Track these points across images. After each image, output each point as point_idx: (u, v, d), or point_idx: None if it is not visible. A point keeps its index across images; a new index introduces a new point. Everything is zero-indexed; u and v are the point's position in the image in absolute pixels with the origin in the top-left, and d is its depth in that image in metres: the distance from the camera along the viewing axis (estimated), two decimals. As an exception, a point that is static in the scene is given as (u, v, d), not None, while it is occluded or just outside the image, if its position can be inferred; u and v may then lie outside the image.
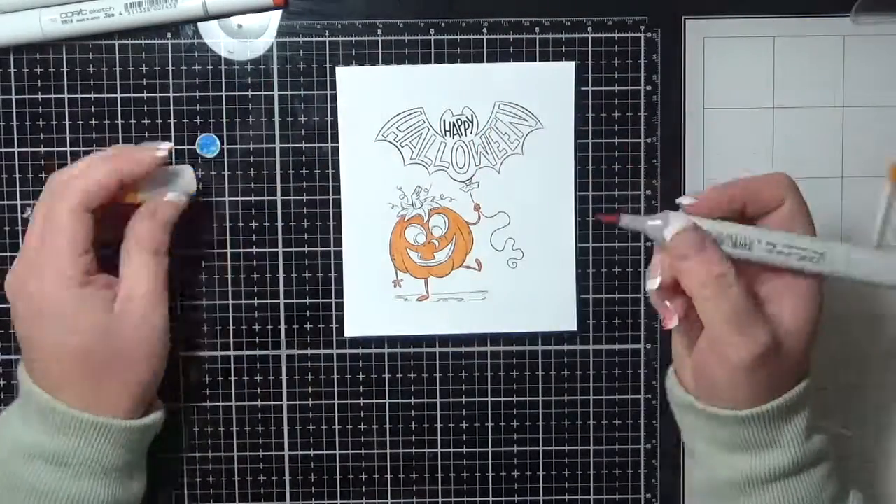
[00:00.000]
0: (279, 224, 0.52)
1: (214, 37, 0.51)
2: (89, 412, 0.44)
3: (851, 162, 0.52)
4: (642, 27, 0.51)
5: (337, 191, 0.52)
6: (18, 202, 0.52)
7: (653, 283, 0.43)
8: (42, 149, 0.51)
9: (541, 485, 0.53)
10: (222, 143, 0.51)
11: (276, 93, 0.51)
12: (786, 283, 0.43)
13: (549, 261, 0.51)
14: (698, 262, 0.41)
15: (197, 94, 0.51)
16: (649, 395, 0.53)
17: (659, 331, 0.53)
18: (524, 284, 0.51)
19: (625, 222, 0.44)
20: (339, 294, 0.52)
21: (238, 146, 0.52)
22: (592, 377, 0.53)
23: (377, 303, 0.52)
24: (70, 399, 0.44)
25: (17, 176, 0.52)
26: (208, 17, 0.50)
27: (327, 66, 0.51)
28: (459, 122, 0.51)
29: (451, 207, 0.51)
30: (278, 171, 0.52)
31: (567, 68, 0.51)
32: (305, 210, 0.52)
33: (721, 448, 0.44)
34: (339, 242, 0.52)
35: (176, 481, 0.53)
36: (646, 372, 0.53)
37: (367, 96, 0.51)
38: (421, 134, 0.51)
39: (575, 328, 0.52)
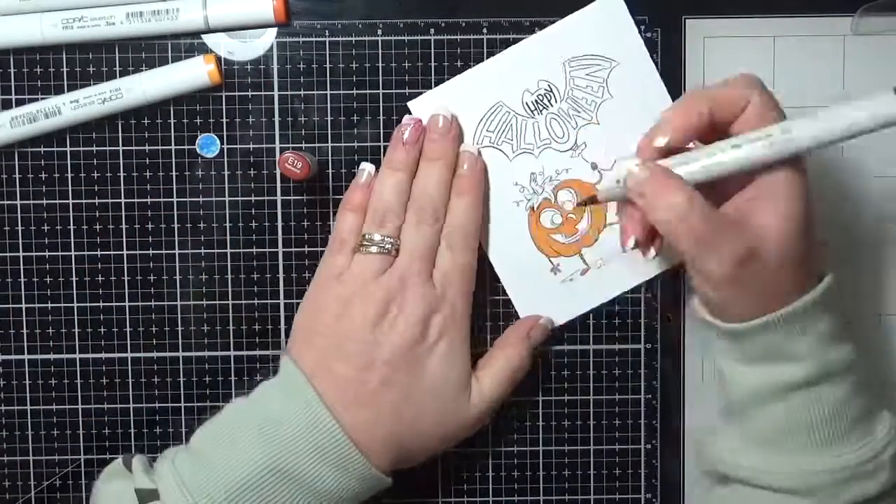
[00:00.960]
0: (279, 224, 0.52)
1: (215, 37, 0.51)
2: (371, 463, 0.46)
3: (851, 162, 0.52)
4: (642, 27, 0.51)
5: (336, 191, 0.52)
6: (18, 202, 0.52)
7: (630, 242, 0.44)
8: (42, 149, 0.51)
9: (541, 485, 0.53)
10: (222, 143, 0.51)
11: (276, 93, 0.51)
12: (762, 190, 0.42)
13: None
14: (652, 196, 0.42)
15: (197, 94, 0.51)
16: (649, 395, 0.53)
17: (659, 331, 0.53)
18: None
19: (601, 196, 0.45)
20: (339, 294, 0.52)
21: (238, 146, 0.52)
22: (592, 377, 0.53)
23: (547, 297, 0.52)
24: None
25: (17, 176, 0.52)
26: (209, 31, 0.50)
27: (327, 66, 0.51)
28: (540, 97, 0.51)
29: (571, 177, 0.51)
30: (278, 171, 0.52)
31: (614, 1, 0.50)
32: (305, 210, 0.52)
33: (738, 359, 0.44)
34: (339, 242, 0.52)
35: (176, 481, 0.53)
36: (646, 372, 0.53)
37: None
38: (511, 125, 0.51)
39: None
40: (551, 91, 0.51)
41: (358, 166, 0.50)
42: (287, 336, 0.52)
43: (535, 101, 0.51)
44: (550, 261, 0.52)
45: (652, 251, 0.45)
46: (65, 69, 0.51)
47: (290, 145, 0.51)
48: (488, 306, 0.52)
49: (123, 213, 0.52)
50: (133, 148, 0.51)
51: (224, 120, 0.51)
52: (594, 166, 0.51)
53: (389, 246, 0.48)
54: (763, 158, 0.41)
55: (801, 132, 0.41)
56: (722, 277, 0.41)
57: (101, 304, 0.52)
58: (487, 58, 0.51)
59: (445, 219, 0.49)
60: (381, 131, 0.51)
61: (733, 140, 0.41)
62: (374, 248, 0.47)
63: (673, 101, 0.49)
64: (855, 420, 0.42)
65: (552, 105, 0.51)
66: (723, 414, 0.47)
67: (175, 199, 0.52)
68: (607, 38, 0.51)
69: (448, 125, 0.49)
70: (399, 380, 0.46)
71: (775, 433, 0.43)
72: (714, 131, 0.42)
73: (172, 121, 0.51)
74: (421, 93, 0.51)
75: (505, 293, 0.52)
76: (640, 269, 0.52)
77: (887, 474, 0.42)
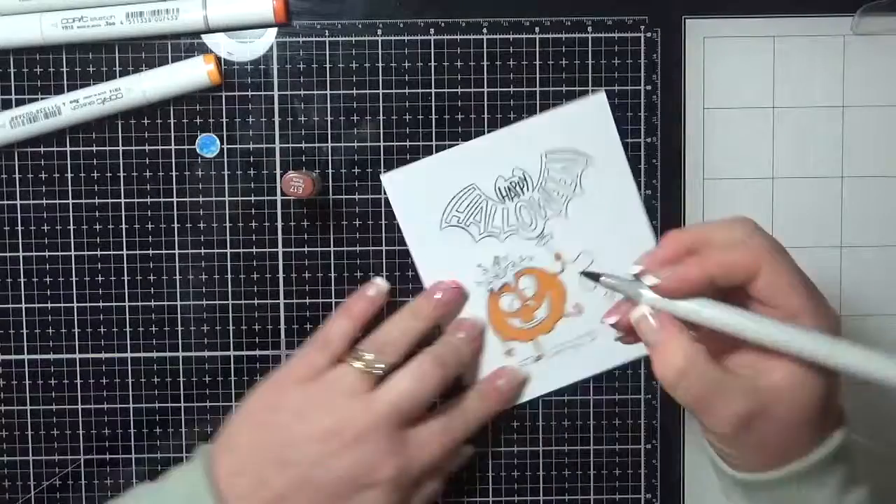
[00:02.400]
0: (279, 224, 0.52)
1: (215, 37, 0.51)
2: None
3: (851, 162, 0.52)
4: (642, 27, 0.51)
5: (336, 191, 0.52)
6: (18, 202, 0.52)
7: (611, 320, 0.42)
8: (42, 149, 0.51)
9: (541, 485, 0.53)
10: (222, 143, 0.51)
11: (276, 93, 0.51)
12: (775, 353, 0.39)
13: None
14: (655, 347, 0.40)
15: (197, 94, 0.51)
16: (649, 395, 0.53)
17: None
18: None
19: (605, 282, 0.42)
20: (340, 294, 0.52)
21: (238, 146, 0.52)
22: (592, 377, 0.53)
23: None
24: None
25: (17, 176, 0.52)
26: (209, 31, 0.50)
27: (327, 66, 0.51)
28: (513, 184, 0.51)
29: (534, 265, 0.52)
30: (278, 171, 0.52)
31: (600, 99, 0.51)
32: (305, 210, 0.52)
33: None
34: (338, 242, 0.52)
35: (176, 481, 0.53)
36: (646, 372, 0.53)
37: (419, 192, 0.51)
38: (481, 208, 0.51)
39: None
40: (525, 180, 0.51)
41: (357, 166, 0.50)
42: (287, 336, 0.52)
43: (508, 187, 0.51)
44: (504, 345, 0.52)
45: (625, 338, 0.42)
46: (65, 69, 0.51)
47: (290, 145, 0.52)
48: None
49: (123, 213, 0.52)
50: (133, 148, 0.51)
51: (224, 120, 0.51)
52: (557, 257, 0.52)
53: (377, 370, 0.47)
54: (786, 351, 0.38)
55: (843, 360, 0.38)
56: (723, 436, 0.40)
57: (101, 304, 0.52)
58: (487, 58, 0.51)
59: (462, 402, 0.49)
60: (381, 131, 0.52)
61: (757, 331, 0.38)
62: (359, 364, 0.46)
63: (640, 186, 0.51)
64: None
65: (524, 193, 0.51)
66: None
67: (175, 199, 0.52)
68: (588, 134, 0.51)
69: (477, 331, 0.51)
70: None
71: None
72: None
73: (172, 121, 0.51)
74: (420, 93, 0.51)
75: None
76: (593, 361, 0.52)
77: None
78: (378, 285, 0.50)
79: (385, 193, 0.51)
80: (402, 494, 0.46)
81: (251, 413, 0.47)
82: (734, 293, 0.40)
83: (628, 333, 0.42)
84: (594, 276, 0.42)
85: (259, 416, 0.47)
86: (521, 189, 0.51)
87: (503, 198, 0.51)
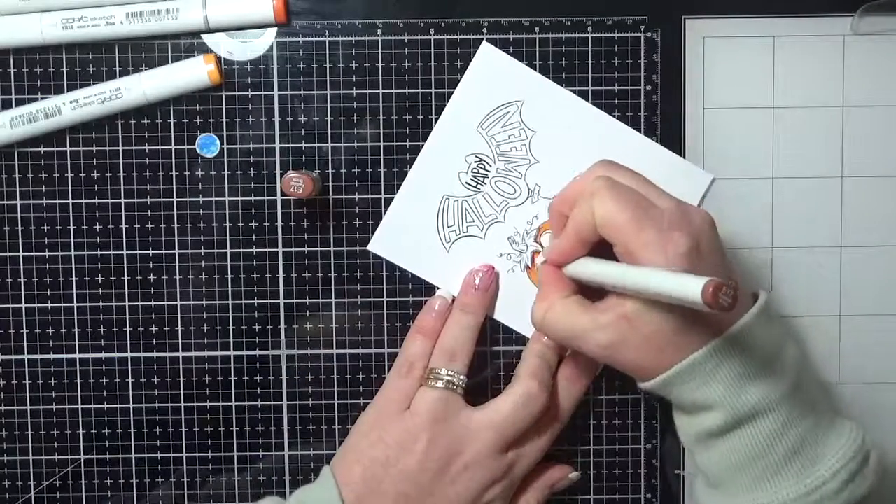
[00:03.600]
0: (279, 224, 0.52)
1: (215, 37, 0.51)
2: None
3: (851, 162, 0.52)
4: (642, 27, 0.51)
5: (336, 191, 0.52)
6: (18, 202, 0.52)
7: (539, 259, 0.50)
8: (42, 149, 0.51)
9: (541, 485, 0.53)
10: (222, 143, 0.51)
11: (276, 93, 0.51)
12: None
13: (636, 157, 0.50)
14: (541, 288, 0.48)
15: (197, 94, 0.51)
16: (649, 396, 0.53)
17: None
18: None
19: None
20: (340, 294, 0.52)
21: (238, 146, 0.51)
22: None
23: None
24: None
25: (17, 176, 0.52)
26: (209, 31, 0.50)
27: (327, 66, 0.51)
28: (475, 170, 0.51)
29: (544, 220, 0.52)
30: (278, 171, 0.52)
31: (486, 49, 0.51)
32: (305, 210, 0.52)
33: (675, 411, 0.47)
34: (338, 242, 0.52)
35: (176, 481, 0.53)
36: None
37: (406, 241, 0.52)
38: (466, 209, 0.51)
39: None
40: (481, 159, 0.51)
41: (357, 166, 0.50)
42: (287, 336, 0.52)
43: (473, 176, 0.51)
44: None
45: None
46: (65, 69, 0.51)
47: (290, 145, 0.52)
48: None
49: (123, 213, 0.52)
50: (133, 148, 0.51)
51: (224, 120, 0.51)
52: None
53: (458, 382, 0.48)
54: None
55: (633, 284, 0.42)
56: (600, 360, 0.46)
57: (101, 304, 0.52)
58: (487, 58, 0.51)
59: (558, 406, 0.50)
60: (381, 131, 0.52)
61: (611, 282, 0.43)
62: (440, 383, 0.48)
63: (585, 100, 0.51)
64: (787, 456, 0.43)
65: (489, 170, 0.51)
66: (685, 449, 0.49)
67: (175, 199, 0.52)
68: (500, 84, 0.51)
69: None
70: None
71: (715, 476, 0.45)
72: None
73: (172, 121, 0.51)
74: (420, 93, 0.51)
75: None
76: None
77: (835, 503, 0.42)
78: (443, 298, 0.51)
79: (381, 253, 0.52)
80: (509, 498, 0.49)
81: (358, 446, 0.48)
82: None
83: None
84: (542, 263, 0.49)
85: (366, 449, 0.48)
86: (485, 168, 0.51)
87: (476, 186, 0.51)
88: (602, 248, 0.45)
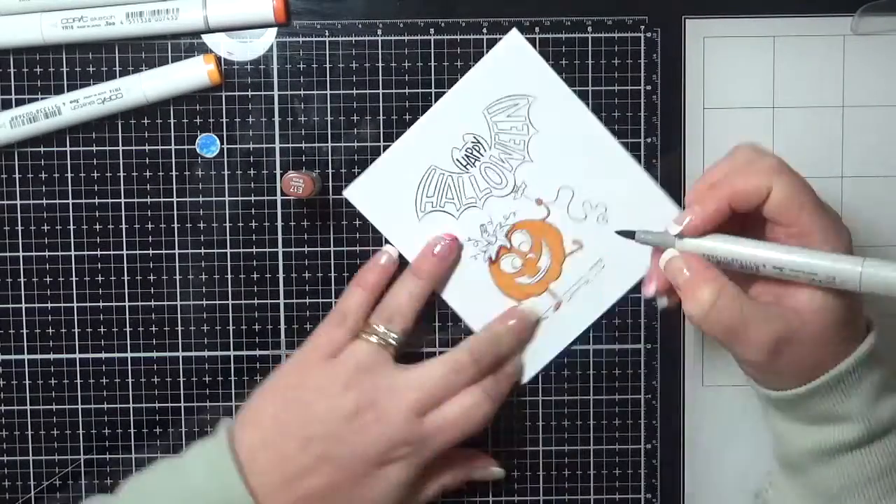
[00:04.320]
0: (279, 224, 0.52)
1: (215, 37, 0.51)
2: None
3: (851, 162, 0.52)
4: (642, 27, 0.51)
5: (336, 191, 0.52)
6: (18, 202, 0.52)
7: (647, 292, 0.45)
8: (42, 148, 0.51)
9: (541, 485, 0.53)
10: (222, 143, 0.51)
11: (276, 93, 0.51)
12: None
13: (629, 190, 0.51)
14: (685, 287, 0.42)
15: (197, 94, 0.51)
16: (649, 395, 0.53)
17: (659, 331, 0.53)
18: (624, 226, 0.50)
19: (639, 238, 0.44)
20: (340, 294, 0.52)
21: (238, 146, 0.51)
22: (592, 377, 0.53)
23: (532, 341, 0.52)
24: None
25: (17, 176, 0.52)
26: (209, 31, 0.50)
27: (327, 66, 0.51)
28: (469, 150, 0.51)
29: (520, 218, 0.51)
30: (278, 171, 0.52)
31: (514, 37, 0.51)
32: (305, 210, 0.52)
33: (790, 422, 0.44)
34: (338, 242, 0.52)
35: (176, 481, 0.53)
36: (646, 372, 0.53)
37: (385, 193, 0.51)
38: (449, 185, 0.51)
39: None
40: (478, 142, 0.51)
41: (357, 166, 0.50)
42: (287, 336, 0.52)
43: (465, 155, 0.51)
44: (522, 304, 0.52)
45: (665, 301, 0.45)
46: (65, 69, 0.51)
47: (290, 145, 0.52)
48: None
49: (123, 213, 0.52)
50: (133, 148, 0.51)
51: (224, 120, 0.51)
52: (539, 201, 0.51)
53: (392, 341, 0.48)
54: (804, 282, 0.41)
55: (846, 280, 0.40)
56: (757, 363, 0.42)
57: (101, 304, 0.52)
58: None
59: (490, 377, 0.49)
60: (381, 131, 0.52)
61: (773, 258, 0.41)
62: (374, 338, 0.48)
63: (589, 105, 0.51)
64: None
65: (483, 154, 0.51)
66: (782, 465, 0.47)
67: (175, 199, 0.52)
68: (518, 76, 0.51)
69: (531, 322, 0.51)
70: (340, 486, 0.46)
71: (836, 491, 0.43)
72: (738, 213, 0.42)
73: (172, 121, 0.51)
74: (420, 93, 0.51)
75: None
76: (610, 289, 0.52)
77: None
78: (389, 253, 0.50)
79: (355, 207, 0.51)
80: (421, 469, 0.48)
81: (275, 390, 0.48)
82: (753, 227, 0.42)
83: (669, 294, 0.44)
84: (629, 234, 0.45)
85: (283, 392, 0.47)
86: (479, 152, 0.51)
87: (465, 167, 0.51)
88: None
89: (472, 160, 0.51)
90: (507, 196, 0.51)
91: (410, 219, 0.51)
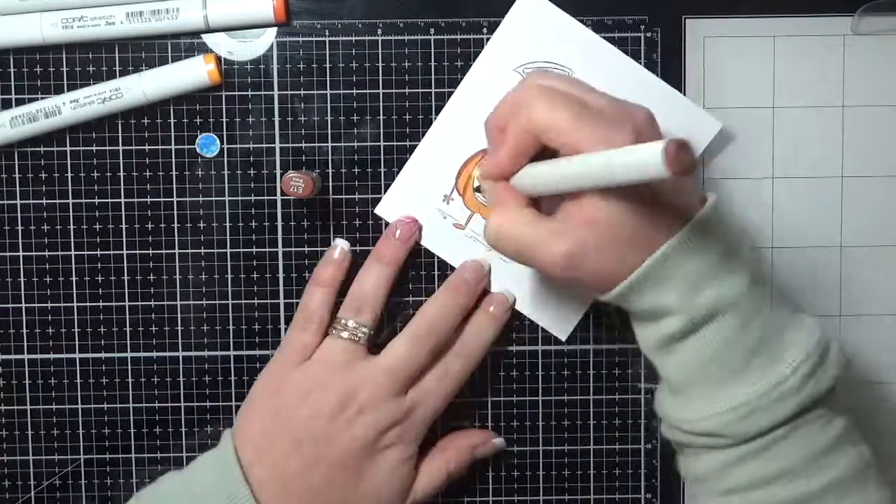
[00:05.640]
0: (279, 224, 0.52)
1: (215, 37, 0.51)
2: None
3: (851, 162, 0.52)
4: (642, 27, 0.51)
5: (337, 191, 0.52)
6: (18, 202, 0.52)
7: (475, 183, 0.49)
8: (42, 148, 0.51)
9: (541, 485, 0.53)
10: (222, 143, 0.51)
11: (276, 93, 0.51)
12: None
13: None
14: (493, 206, 0.44)
15: (197, 94, 0.51)
16: (649, 396, 0.53)
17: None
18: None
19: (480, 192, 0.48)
20: (339, 294, 0.52)
21: (238, 146, 0.52)
22: (592, 377, 0.53)
23: (419, 206, 0.51)
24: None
25: (17, 176, 0.52)
26: (209, 30, 0.50)
27: (327, 66, 0.51)
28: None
29: None
30: (278, 171, 0.52)
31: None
32: (305, 210, 0.52)
33: (634, 321, 0.46)
34: (339, 242, 0.52)
35: (176, 481, 0.53)
36: (646, 372, 0.53)
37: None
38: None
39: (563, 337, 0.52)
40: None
41: (357, 166, 0.50)
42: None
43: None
44: (453, 191, 0.51)
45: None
46: (65, 69, 0.51)
47: (290, 145, 0.52)
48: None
49: (123, 213, 0.52)
50: (133, 148, 0.51)
51: (224, 120, 0.51)
52: None
53: (362, 335, 0.48)
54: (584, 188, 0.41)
55: (576, 177, 0.40)
56: (555, 278, 0.43)
57: (101, 304, 0.52)
58: (487, 58, 0.51)
59: (455, 345, 0.49)
60: (381, 131, 0.52)
61: (556, 176, 0.42)
62: (345, 334, 0.48)
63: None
64: (747, 355, 0.42)
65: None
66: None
67: (175, 199, 0.52)
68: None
69: (481, 273, 0.51)
70: (341, 482, 0.46)
71: (678, 383, 0.44)
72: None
73: (172, 121, 0.51)
74: (420, 93, 0.51)
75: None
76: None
77: (796, 399, 0.42)
78: (340, 247, 0.50)
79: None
80: (417, 445, 0.49)
81: (257, 402, 0.48)
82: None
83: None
84: (478, 189, 0.49)
85: (265, 403, 0.48)
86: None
87: None
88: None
89: None
90: None
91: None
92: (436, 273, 0.52)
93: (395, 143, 0.51)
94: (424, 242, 0.52)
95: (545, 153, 0.43)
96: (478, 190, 0.50)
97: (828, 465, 0.42)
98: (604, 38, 0.51)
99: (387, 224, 0.51)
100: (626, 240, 0.41)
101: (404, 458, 0.48)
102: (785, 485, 0.42)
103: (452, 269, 0.52)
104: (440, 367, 0.49)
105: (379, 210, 0.51)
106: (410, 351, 0.48)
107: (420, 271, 0.52)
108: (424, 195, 0.51)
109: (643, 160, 0.35)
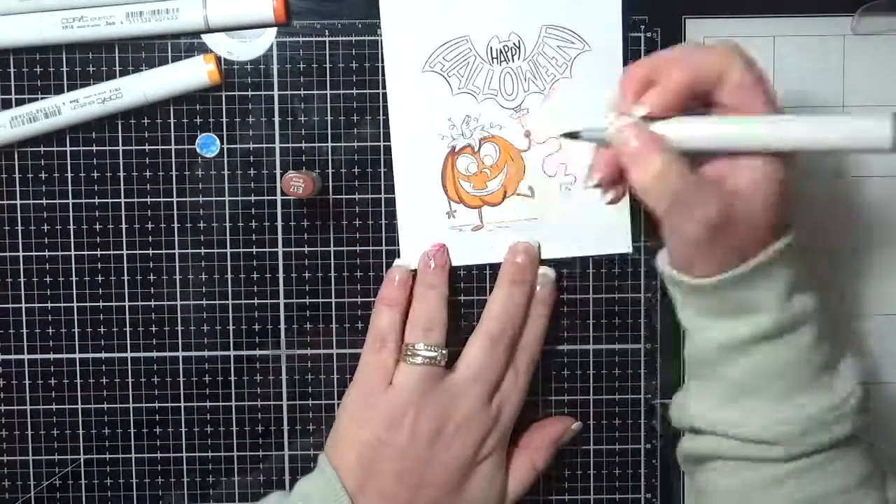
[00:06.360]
0: (279, 224, 0.52)
1: (214, 37, 0.51)
2: None
3: (851, 162, 0.52)
4: (642, 27, 0.51)
5: (336, 191, 0.52)
6: (18, 202, 0.52)
7: (590, 182, 0.43)
8: (42, 149, 0.51)
9: (541, 485, 0.53)
10: (222, 143, 0.51)
11: (276, 93, 0.51)
12: (742, 158, 0.42)
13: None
14: (633, 155, 0.41)
15: (197, 94, 0.51)
16: (649, 395, 0.53)
17: (659, 331, 0.53)
18: (578, 209, 0.51)
19: (585, 135, 0.43)
20: (340, 294, 0.52)
21: (238, 146, 0.52)
22: (592, 377, 0.53)
23: (432, 235, 0.51)
24: None
25: (17, 176, 0.52)
26: (209, 31, 0.50)
27: (327, 65, 0.51)
28: (506, 48, 0.50)
29: (502, 135, 0.51)
30: (278, 171, 0.52)
31: None
32: (305, 210, 0.52)
33: (704, 315, 0.44)
34: (339, 242, 0.52)
35: (176, 481, 0.53)
36: (646, 372, 0.53)
37: (413, 26, 0.50)
38: (468, 62, 0.50)
39: (629, 250, 0.52)
40: (519, 47, 0.51)
41: (357, 166, 0.50)
42: (287, 336, 0.52)
43: (501, 49, 0.50)
44: (450, 204, 0.51)
45: (611, 195, 0.44)
46: (65, 69, 0.51)
47: (290, 145, 0.52)
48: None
49: (123, 213, 0.52)
50: (133, 148, 0.51)
51: (224, 120, 0.51)
52: (527, 134, 0.51)
53: (438, 357, 0.48)
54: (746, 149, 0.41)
55: (789, 135, 0.40)
56: (697, 237, 0.41)
57: (101, 304, 0.52)
58: (487, 57, 0.51)
59: (528, 339, 0.50)
60: (381, 131, 0.52)
61: (709, 129, 0.41)
62: (419, 360, 0.47)
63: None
64: (817, 370, 0.43)
65: (514, 60, 0.51)
66: (692, 369, 0.47)
67: (175, 199, 0.52)
68: (593, 20, 0.50)
69: (534, 256, 0.51)
70: (444, 500, 0.47)
71: (742, 386, 0.44)
72: (693, 97, 0.42)
73: (172, 121, 0.51)
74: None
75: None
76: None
77: (849, 423, 0.42)
78: (402, 268, 0.50)
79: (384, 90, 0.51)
80: (505, 448, 0.49)
81: (348, 433, 0.48)
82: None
83: (614, 184, 0.43)
84: (574, 135, 0.44)
85: (356, 435, 0.48)
86: (513, 55, 0.50)
87: (492, 59, 0.51)
88: None
89: (503, 59, 0.50)
90: (507, 110, 0.51)
91: (416, 65, 0.50)
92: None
93: (391, 143, 0.51)
94: (459, 262, 0.52)
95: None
96: (568, 136, 0.44)
97: (856, 500, 0.43)
98: (604, 38, 0.51)
99: (382, 260, 0.51)
100: (760, 223, 0.41)
101: (498, 466, 0.48)
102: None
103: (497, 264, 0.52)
104: (511, 367, 0.49)
105: (401, 262, 0.51)
106: (489, 355, 0.48)
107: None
108: (430, 226, 0.51)
109: (868, 129, 0.36)
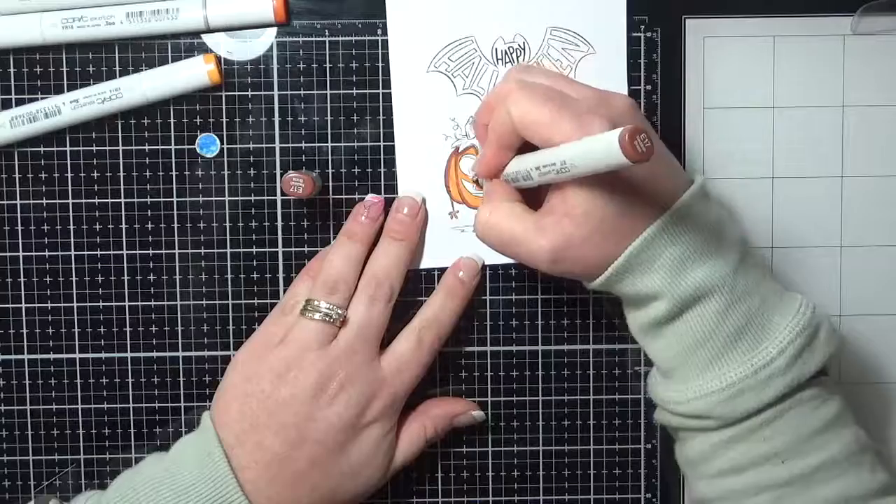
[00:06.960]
0: (279, 224, 0.52)
1: (215, 37, 0.51)
2: None
3: (851, 162, 0.52)
4: (642, 27, 0.51)
5: (336, 191, 0.52)
6: (18, 202, 0.52)
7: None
8: (42, 149, 0.51)
9: (541, 485, 0.53)
10: (222, 143, 0.51)
11: (275, 93, 0.51)
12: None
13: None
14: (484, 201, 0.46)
15: (197, 94, 0.51)
16: (649, 395, 0.53)
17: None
18: None
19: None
20: (339, 294, 0.52)
21: (238, 146, 0.52)
22: (592, 377, 0.53)
23: (434, 235, 0.52)
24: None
25: (17, 176, 0.52)
26: (209, 31, 0.50)
27: (327, 66, 0.51)
28: (511, 49, 0.51)
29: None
30: (278, 171, 0.52)
31: None
32: (305, 210, 0.52)
33: (625, 307, 0.47)
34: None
35: (176, 481, 0.53)
36: (646, 371, 0.53)
37: (418, 27, 0.50)
38: (473, 63, 0.51)
39: None
40: (523, 49, 0.51)
41: (357, 166, 0.50)
42: (287, 336, 0.52)
43: (505, 51, 0.51)
44: (453, 205, 0.52)
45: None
46: (65, 69, 0.51)
47: (290, 145, 0.52)
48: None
49: (123, 213, 0.52)
50: (133, 148, 0.51)
51: (224, 120, 0.51)
52: None
53: (336, 316, 0.47)
54: (565, 179, 0.41)
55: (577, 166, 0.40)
56: (545, 270, 0.43)
57: (101, 304, 0.52)
58: (487, 57, 0.51)
59: (428, 310, 0.50)
60: (381, 131, 0.52)
61: (534, 162, 0.42)
62: (318, 315, 0.47)
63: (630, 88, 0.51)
64: (733, 337, 0.43)
65: (519, 62, 0.51)
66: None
67: (175, 199, 0.52)
68: (597, 24, 0.51)
69: (417, 209, 0.50)
70: (325, 460, 0.46)
71: (667, 366, 0.45)
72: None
73: (172, 121, 0.51)
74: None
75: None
76: None
77: (785, 379, 0.42)
78: (340, 245, 0.50)
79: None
80: (396, 415, 0.49)
81: (234, 386, 0.47)
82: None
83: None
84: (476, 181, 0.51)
85: (242, 387, 0.47)
86: (517, 57, 0.51)
87: (497, 60, 0.51)
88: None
89: (507, 60, 0.51)
90: None
91: (421, 65, 0.51)
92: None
93: (394, 143, 0.51)
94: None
95: (530, 145, 0.43)
96: (476, 182, 0.51)
97: (820, 445, 0.43)
98: (604, 38, 0.51)
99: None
100: (609, 229, 0.42)
101: (385, 433, 0.48)
102: (776, 465, 0.43)
103: (503, 266, 0.52)
104: (414, 338, 0.49)
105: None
106: (372, 307, 0.48)
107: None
108: (432, 225, 0.51)
109: (602, 149, 0.36)
